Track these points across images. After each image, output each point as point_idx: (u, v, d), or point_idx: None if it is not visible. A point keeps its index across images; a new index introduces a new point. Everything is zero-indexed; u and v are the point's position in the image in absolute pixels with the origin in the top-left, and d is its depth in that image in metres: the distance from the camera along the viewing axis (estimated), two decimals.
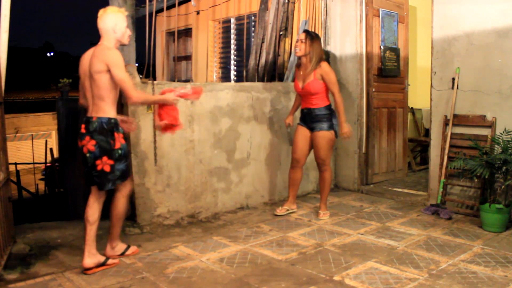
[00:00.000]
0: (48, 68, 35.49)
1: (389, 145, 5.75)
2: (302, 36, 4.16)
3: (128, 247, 3.33)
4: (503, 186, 3.92)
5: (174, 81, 4.70)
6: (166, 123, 3.18)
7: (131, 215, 3.96)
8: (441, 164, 4.42)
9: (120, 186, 3.12)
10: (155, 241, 3.64)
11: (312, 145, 4.28)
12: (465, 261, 3.16)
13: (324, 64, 4.15)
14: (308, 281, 2.87)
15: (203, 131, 4.26)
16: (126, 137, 3.17)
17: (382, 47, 5.48)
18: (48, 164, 12.29)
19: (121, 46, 3.22)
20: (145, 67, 3.98)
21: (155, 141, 3.93)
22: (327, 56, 5.37)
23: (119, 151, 3.01)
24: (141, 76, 3.87)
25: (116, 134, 2.99)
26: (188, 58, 8.33)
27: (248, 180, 4.66)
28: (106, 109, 2.96)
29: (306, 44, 4.11)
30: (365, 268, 3.07)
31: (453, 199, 4.41)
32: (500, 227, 3.80)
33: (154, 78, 4.00)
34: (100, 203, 3.06)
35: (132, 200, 3.92)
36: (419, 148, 6.90)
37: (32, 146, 17.48)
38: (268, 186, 4.84)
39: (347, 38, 5.33)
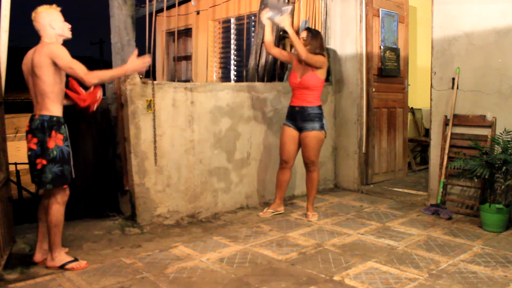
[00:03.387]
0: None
1: (389, 145, 5.75)
2: (304, 34, 4.16)
3: (74, 260, 3.06)
4: (503, 186, 3.92)
5: (174, 81, 4.70)
6: (87, 102, 3.15)
7: (131, 215, 3.96)
8: (441, 164, 4.42)
9: (55, 191, 2.98)
10: (155, 241, 3.64)
11: (301, 145, 4.22)
12: (465, 261, 3.16)
13: (320, 56, 4.09)
14: (308, 281, 2.87)
15: (203, 131, 4.26)
16: (68, 142, 3.03)
17: (382, 47, 5.48)
18: None
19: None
20: None
21: (155, 141, 3.92)
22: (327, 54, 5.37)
23: (54, 152, 2.92)
24: (141, 76, 3.87)
25: (53, 133, 2.92)
26: (188, 58, 8.33)
27: (248, 180, 4.66)
28: (50, 107, 2.94)
29: (306, 41, 4.11)
30: (365, 268, 3.07)
31: (453, 199, 4.41)
32: (500, 227, 3.80)
33: (154, 78, 4.00)
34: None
35: (132, 200, 3.92)
36: (419, 148, 6.90)
37: None
38: (268, 186, 4.83)
39: (347, 38, 5.33)
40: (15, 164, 10.67)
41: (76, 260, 3.08)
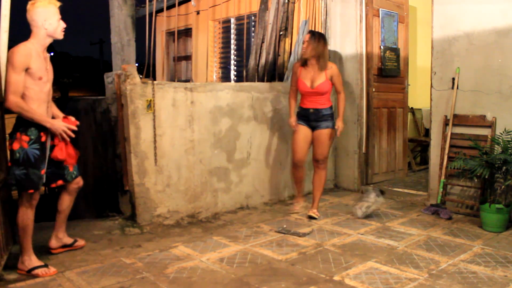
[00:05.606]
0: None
1: (389, 145, 5.75)
2: (307, 37, 4.20)
3: (43, 266, 2.96)
4: (503, 186, 3.92)
5: (174, 81, 4.71)
6: (59, 158, 3.04)
7: (131, 215, 3.96)
8: (441, 164, 4.42)
9: (22, 194, 2.90)
10: (155, 241, 3.64)
11: (313, 143, 4.30)
12: (465, 261, 3.16)
13: (334, 66, 4.30)
14: (308, 281, 2.87)
15: (203, 131, 4.26)
16: (42, 146, 2.94)
17: (382, 47, 5.48)
18: None
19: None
20: (145, 67, 3.98)
21: (155, 141, 3.92)
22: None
23: (17, 154, 2.84)
24: (141, 76, 3.87)
25: (18, 134, 2.84)
26: (188, 58, 8.33)
27: (248, 180, 4.66)
28: None
29: (310, 45, 4.15)
30: (365, 268, 3.07)
31: (453, 199, 4.41)
32: (500, 227, 3.80)
33: (154, 78, 4.00)
34: (70, 195, 3.22)
35: (132, 200, 3.92)
36: (419, 148, 6.90)
37: None
38: (268, 186, 4.83)
39: (347, 38, 5.33)
40: None
41: (45, 266, 2.97)
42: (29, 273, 2.92)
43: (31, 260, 2.96)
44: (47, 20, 2.89)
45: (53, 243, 3.32)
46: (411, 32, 6.36)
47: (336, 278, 2.92)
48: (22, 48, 2.83)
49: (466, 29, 4.24)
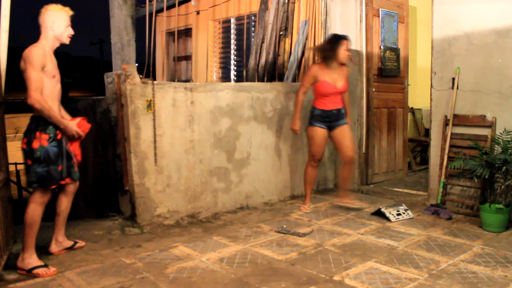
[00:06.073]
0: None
1: (389, 145, 5.75)
2: (349, 44, 4.37)
3: (43, 266, 2.97)
4: (503, 186, 3.92)
5: (174, 81, 4.70)
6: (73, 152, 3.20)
7: (131, 215, 3.96)
8: (441, 164, 4.42)
9: (36, 190, 2.99)
10: (155, 241, 3.64)
11: (337, 140, 4.44)
12: (465, 261, 3.16)
13: (345, 66, 4.46)
14: (308, 281, 2.87)
15: (203, 131, 4.26)
16: (60, 144, 3.06)
17: (382, 47, 5.48)
18: None
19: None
20: (145, 67, 3.98)
21: (155, 141, 3.92)
22: None
23: (37, 152, 2.94)
24: (141, 76, 3.87)
25: (38, 133, 2.95)
26: (188, 58, 8.33)
27: (248, 180, 4.66)
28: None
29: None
30: (365, 268, 3.07)
31: (453, 199, 4.41)
32: (500, 227, 3.80)
33: (154, 78, 4.00)
34: (67, 196, 3.24)
35: (132, 200, 3.92)
36: (419, 148, 6.90)
37: None
38: (268, 186, 4.83)
39: None
40: (15, 164, 10.65)
41: (45, 266, 2.98)
42: (29, 273, 2.92)
43: (32, 258, 2.97)
44: (55, 23, 3.02)
45: (54, 247, 3.31)
46: (411, 32, 6.36)
47: (336, 278, 2.92)
48: (38, 47, 2.95)
49: (466, 29, 4.24)
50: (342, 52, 4.30)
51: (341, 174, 4.64)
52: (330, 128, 4.42)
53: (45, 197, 3.02)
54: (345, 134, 4.42)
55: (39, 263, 2.98)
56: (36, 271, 2.93)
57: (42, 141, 2.95)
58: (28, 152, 2.97)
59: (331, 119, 4.38)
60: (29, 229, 2.97)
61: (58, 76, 3.08)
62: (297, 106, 4.43)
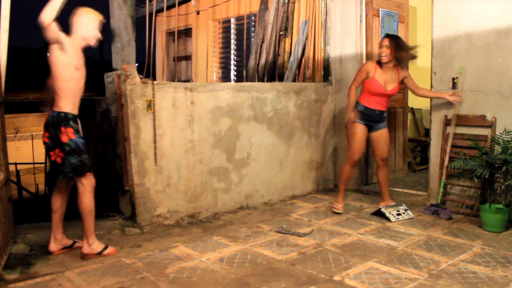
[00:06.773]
0: (48, 68, 35.43)
1: (389, 145, 5.74)
2: (386, 41, 4.20)
3: (106, 247, 3.31)
4: (503, 186, 3.92)
5: (174, 81, 4.70)
6: None
7: (131, 215, 3.96)
8: (441, 164, 4.42)
9: (82, 180, 3.17)
10: (155, 241, 3.64)
11: (374, 143, 4.43)
12: (465, 261, 3.16)
13: (404, 68, 4.40)
14: (308, 281, 2.87)
15: (203, 131, 4.26)
16: (82, 135, 3.22)
17: None
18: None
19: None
20: (145, 67, 3.99)
21: (155, 141, 3.93)
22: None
23: (70, 145, 3.10)
24: (141, 76, 3.87)
25: (63, 129, 3.09)
26: (188, 58, 8.33)
27: (248, 180, 4.66)
28: (60, 104, 3.12)
29: (391, 50, 4.18)
30: (365, 268, 3.07)
31: (453, 199, 4.41)
32: (500, 227, 3.80)
33: (154, 78, 4.00)
34: (62, 193, 3.29)
35: (132, 200, 3.92)
36: (419, 148, 6.90)
37: (32, 146, 17.45)
38: (268, 186, 4.83)
39: (347, 38, 5.33)
40: (15, 164, 10.66)
41: (107, 246, 3.31)
42: (99, 255, 3.23)
43: (97, 243, 3.27)
44: (85, 24, 3.17)
45: (53, 246, 3.32)
46: (411, 32, 6.36)
47: (336, 278, 2.92)
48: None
49: (466, 29, 4.24)
50: (381, 51, 4.24)
51: (378, 178, 4.59)
52: (369, 129, 4.38)
53: (92, 183, 3.22)
54: (384, 139, 4.41)
55: (103, 245, 3.30)
56: (105, 252, 3.27)
57: (69, 134, 3.10)
58: (51, 145, 3.13)
59: (372, 119, 4.34)
60: (89, 216, 3.20)
61: (82, 72, 3.20)
62: (351, 99, 4.34)
